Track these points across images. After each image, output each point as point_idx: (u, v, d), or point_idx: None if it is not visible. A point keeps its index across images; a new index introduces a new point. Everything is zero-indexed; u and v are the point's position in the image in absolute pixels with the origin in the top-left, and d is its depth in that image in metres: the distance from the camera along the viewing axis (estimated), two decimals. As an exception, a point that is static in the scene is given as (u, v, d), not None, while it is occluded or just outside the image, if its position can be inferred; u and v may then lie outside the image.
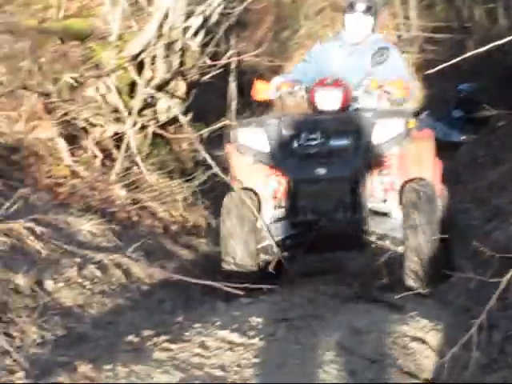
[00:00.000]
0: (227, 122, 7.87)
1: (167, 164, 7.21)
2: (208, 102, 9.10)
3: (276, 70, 13.15)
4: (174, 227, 6.54)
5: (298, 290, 5.52)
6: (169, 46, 7.23)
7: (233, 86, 9.20)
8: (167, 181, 6.87)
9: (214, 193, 7.41)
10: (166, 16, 7.09)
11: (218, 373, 3.98)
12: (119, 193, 6.40)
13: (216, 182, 7.73)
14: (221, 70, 8.56)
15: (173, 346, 4.21)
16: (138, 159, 6.75)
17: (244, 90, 11.18)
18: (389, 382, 3.97)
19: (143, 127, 7.02)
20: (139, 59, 7.02)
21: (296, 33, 15.98)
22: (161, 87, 7.27)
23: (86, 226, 5.59)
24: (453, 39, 15.46)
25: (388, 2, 17.06)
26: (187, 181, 7.17)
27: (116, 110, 6.91)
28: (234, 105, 9.13)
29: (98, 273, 5.09)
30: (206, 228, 6.91)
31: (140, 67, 6.99)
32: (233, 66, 9.17)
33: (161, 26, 7.07)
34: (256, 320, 4.67)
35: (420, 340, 4.45)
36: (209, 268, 6.01)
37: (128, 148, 6.66)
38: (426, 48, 16.11)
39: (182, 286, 5.58)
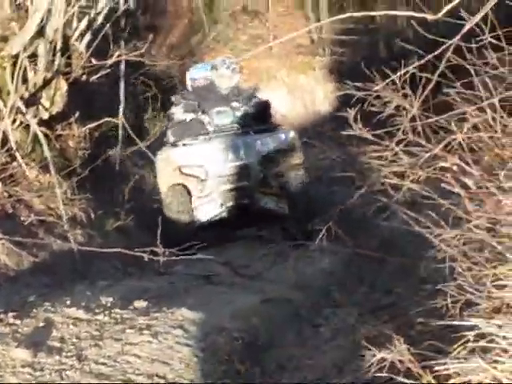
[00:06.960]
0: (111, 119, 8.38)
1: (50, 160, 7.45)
2: (101, 102, 9.40)
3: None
4: (50, 219, 6.79)
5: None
6: (52, 47, 7.53)
7: (121, 86, 9.47)
8: (47, 176, 7.13)
9: (97, 187, 7.74)
10: (47, 17, 7.40)
11: (56, 344, 4.29)
12: (-6, 186, 6.64)
13: (100, 179, 8.07)
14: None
15: (17, 322, 4.51)
16: (17, 154, 7.00)
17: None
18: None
19: (24, 124, 7.26)
20: (20, 59, 7.27)
21: (206, 37, 16.44)
22: (43, 86, 7.55)
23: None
24: (361, 40, 15.91)
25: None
26: (68, 176, 7.45)
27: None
28: (121, 106, 9.40)
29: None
30: (84, 220, 7.19)
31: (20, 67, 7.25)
32: (122, 66, 9.39)
33: (43, 27, 7.36)
34: (106, 300, 5.03)
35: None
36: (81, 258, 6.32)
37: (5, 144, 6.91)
38: (335, 50, 16.63)
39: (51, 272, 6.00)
